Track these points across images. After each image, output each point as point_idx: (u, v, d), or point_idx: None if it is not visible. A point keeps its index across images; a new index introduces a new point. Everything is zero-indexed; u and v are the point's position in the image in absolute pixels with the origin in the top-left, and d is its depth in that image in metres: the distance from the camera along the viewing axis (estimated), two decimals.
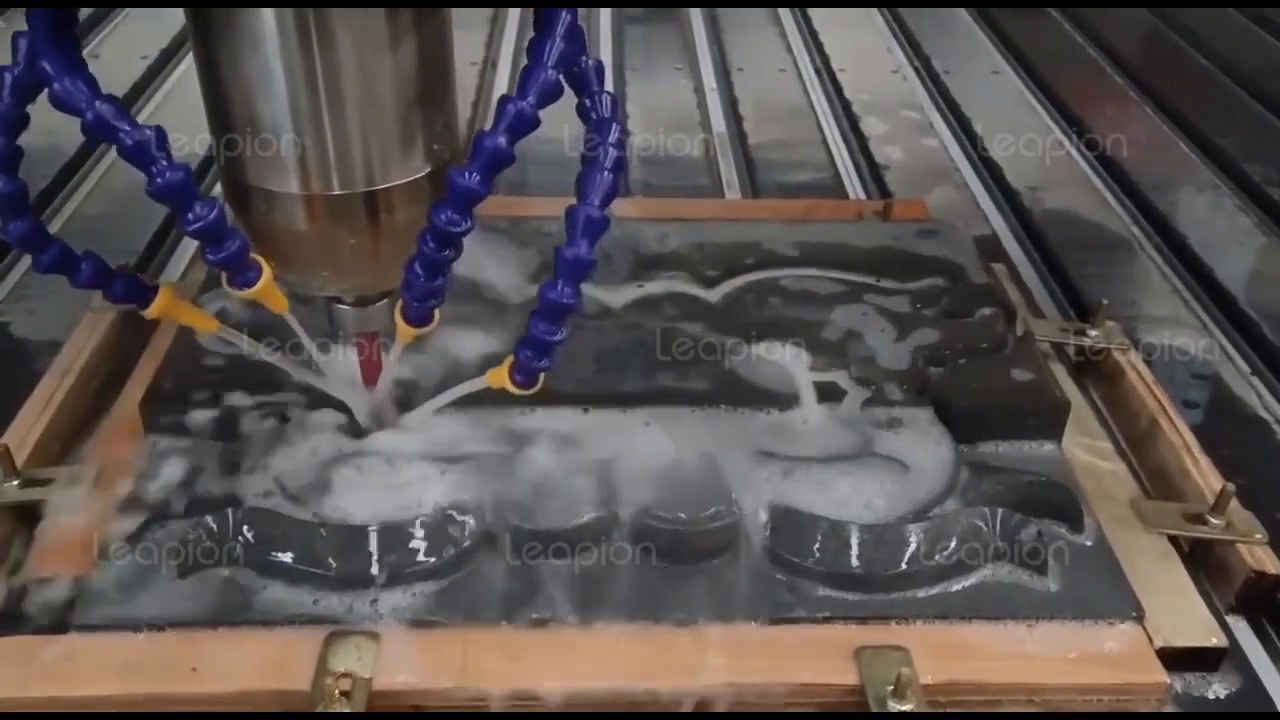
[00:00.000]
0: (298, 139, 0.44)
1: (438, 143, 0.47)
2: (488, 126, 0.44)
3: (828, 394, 0.59)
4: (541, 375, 0.50)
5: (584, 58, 0.47)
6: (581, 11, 1.33)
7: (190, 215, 0.43)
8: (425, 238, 0.45)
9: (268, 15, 0.41)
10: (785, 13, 1.31)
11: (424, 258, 0.46)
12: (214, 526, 0.49)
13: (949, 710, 0.47)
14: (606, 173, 0.46)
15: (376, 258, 0.48)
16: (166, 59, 1.12)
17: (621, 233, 0.73)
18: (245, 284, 0.47)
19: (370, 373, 0.53)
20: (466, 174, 0.44)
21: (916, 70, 1.18)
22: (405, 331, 0.50)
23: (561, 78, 0.44)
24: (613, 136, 0.46)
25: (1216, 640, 0.49)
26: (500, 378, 0.50)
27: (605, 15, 1.29)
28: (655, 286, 0.68)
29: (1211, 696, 0.49)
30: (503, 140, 0.43)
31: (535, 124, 0.44)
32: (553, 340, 0.48)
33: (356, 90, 0.44)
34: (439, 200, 0.45)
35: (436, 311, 0.50)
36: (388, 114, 0.45)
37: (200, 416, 0.55)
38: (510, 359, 0.49)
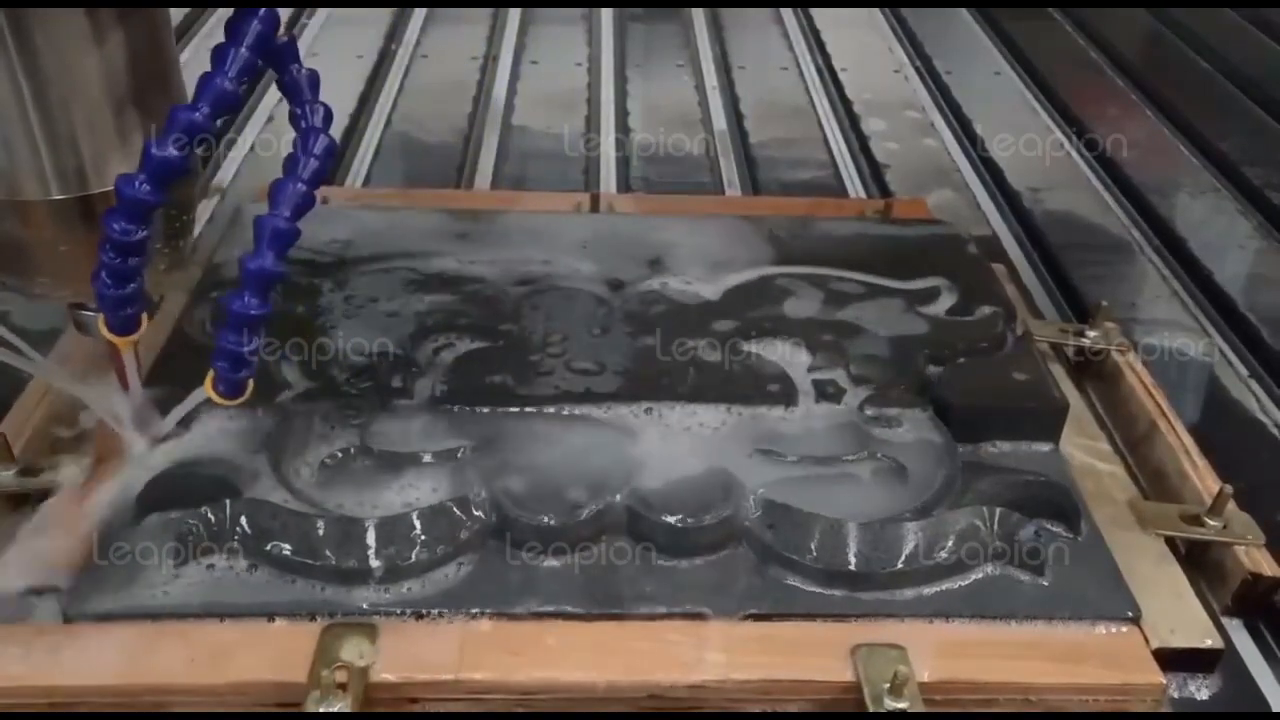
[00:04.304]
0: (5, 141, 0.43)
1: None
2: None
3: (827, 392, 0.60)
4: (250, 383, 0.50)
5: (295, 66, 0.47)
6: (583, 9, 1.32)
7: None
8: (105, 247, 0.44)
9: None
10: (787, 12, 1.31)
11: (108, 268, 0.45)
12: (211, 517, 0.49)
13: (945, 709, 0.47)
14: (301, 184, 0.46)
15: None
16: None
17: (622, 228, 0.73)
18: None
19: (122, 378, 0.52)
20: (135, 182, 0.43)
21: (918, 70, 1.18)
22: (120, 342, 0.49)
23: (242, 89, 0.44)
24: (317, 148, 0.46)
25: (1212, 642, 0.49)
26: (209, 389, 0.50)
27: (607, 12, 1.29)
28: (655, 283, 0.68)
29: (1206, 698, 0.49)
30: (172, 150, 0.43)
31: (210, 132, 0.43)
32: (244, 350, 0.48)
33: (63, 91, 0.42)
34: (110, 209, 0.44)
35: (143, 318, 0.49)
36: (100, 115, 0.44)
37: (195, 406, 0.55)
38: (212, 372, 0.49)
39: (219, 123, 0.44)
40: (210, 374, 0.50)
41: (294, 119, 0.47)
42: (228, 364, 0.48)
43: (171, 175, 0.44)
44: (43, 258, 0.47)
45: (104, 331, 0.49)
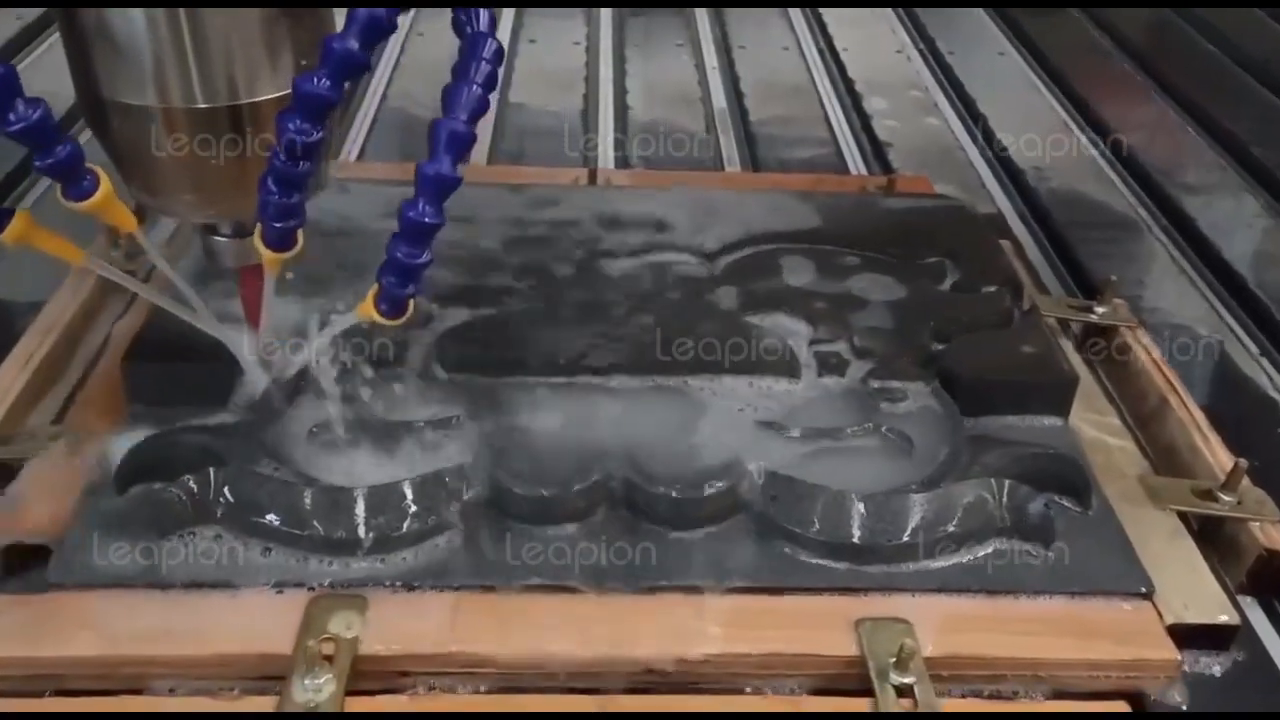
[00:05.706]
0: (154, 46, 0.41)
1: (306, 57, 0.44)
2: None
3: (832, 366, 0.58)
4: (411, 303, 0.46)
5: None
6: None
7: (12, 116, 0.40)
8: (275, 150, 0.43)
9: None
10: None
11: (276, 172, 0.43)
12: (195, 487, 0.48)
13: (952, 685, 0.45)
14: (476, 87, 0.43)
15: (244, 180, 0.44)
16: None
17: (624, 202, 0.71)
18: (80, 195, 0.44)
19: (253, 310, 0.50)
20: (315, 79, 0.41)
21: (920, 51, 1.17)
22: (270, 259, 0.46)
23: None
24: (486, 51, 0.44)
25: (1228, 618, 0.48)
26: (368, 309, 0.47)
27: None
28: (657, 256, 0.66)
29: (1220, 675, 0.48)
30: (353, 44, 0.41)
31: (390, 29, 0.41)
32: (416, 263, 0.45)
33: None
34: (285, 109, 0.42)
35: (300, 234, 0.46)
36: (252, 22, 0.42)
37: (182, 376, 0.54)
38: (375, 288, 0.46)
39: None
40: (371, 293, 0.46)
41: (458, 25, 0.45)
42: (396, 278, 0.45)
43: (352, 72, 0.41)
44: (187, 173, 0.45)
45: (258, 245, 0.46)
